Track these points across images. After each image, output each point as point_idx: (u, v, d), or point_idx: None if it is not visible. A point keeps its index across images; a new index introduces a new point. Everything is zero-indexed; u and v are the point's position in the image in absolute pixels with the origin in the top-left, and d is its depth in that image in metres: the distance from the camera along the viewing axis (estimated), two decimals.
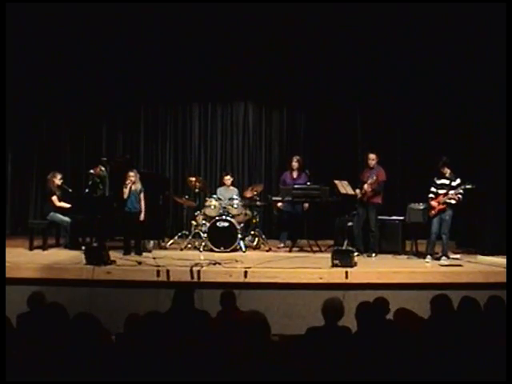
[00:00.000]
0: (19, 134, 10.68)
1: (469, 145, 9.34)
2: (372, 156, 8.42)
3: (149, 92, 10.85)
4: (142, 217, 8.26)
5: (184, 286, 5.25)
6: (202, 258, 7.96)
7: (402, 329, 4.19)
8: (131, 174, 8.28)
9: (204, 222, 8.91)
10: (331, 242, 9.10)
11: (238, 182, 10.45)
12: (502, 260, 7.69)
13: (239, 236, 8.64)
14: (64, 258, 7.84)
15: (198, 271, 6.98)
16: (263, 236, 9.29)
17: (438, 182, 7.97)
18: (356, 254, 7.52)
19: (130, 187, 8.21)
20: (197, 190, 9.50)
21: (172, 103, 11.15)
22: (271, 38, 10.16)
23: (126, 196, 8.19)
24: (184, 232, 9.29)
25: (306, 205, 9.08)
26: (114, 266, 7.20)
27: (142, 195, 8.33)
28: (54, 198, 8.75)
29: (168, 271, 6.97)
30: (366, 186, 8.28)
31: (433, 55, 9.83)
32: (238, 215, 8.94)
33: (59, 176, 8.90)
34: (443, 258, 7.94)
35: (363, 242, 8.45)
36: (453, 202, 7.84)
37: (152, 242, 8.93)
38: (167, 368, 3.28)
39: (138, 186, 8.33)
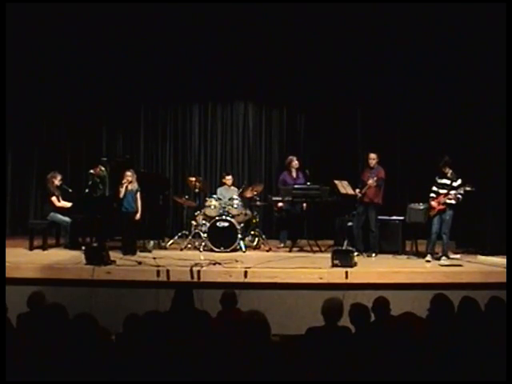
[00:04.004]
0: (19, 134, 10.67)
1: (469, 145, 9.34)
2: (373, 156, 8.42)
3: (149, 92, 10.85)
4: (137, 216, 8.30)
5: (184, 286, 5.25)
6: (202, 257, 7.96)
7: (401, 329, 4.18)
8: (128, 173, 8.31)
9: (204, 222, 8.91)
10: (331, 242, 9.10)
11: (238, 182, 10.44)
12: (502, 260, 7.69)
13: (239, 236, 8.64)
14: (64, 258, 7.84)
15: (198, 271, 6.98)
16: (263, 236, 9.29)
17: (440, 181, 7.98)
18: (356, 253, 7.52)
19: (126, 187, 8.24)
20: (197, 190, 9.50)
21: (172, 103, 11.14)
22: (271, 38, 10.16)
23: (121, 195, 8.21)
24: (184, 232, 9.29)
25: (305, 204, 9.09)
26: (114, 266, 7.20)
27: (138, 195, 8.36)
28: (54, 198, 8.75)
29: (168, 271, 6.97)
30: (369, 182, 8.25)
31: (433, 55, 9.83)
32: (238, 215, 8.94)
33: (59, 177, 8.89)
34: (443, 257, 7.95)
35: (363, 242, 8.45)
36: (453, 202, 7.85)
37: (152, 241, 8.93)
38: (167, 368, 3.28)
39: (135, 185, 8.35)
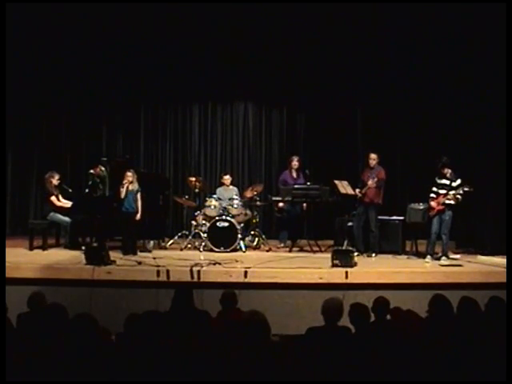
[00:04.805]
0: (19, 134, 10.67)
1: (469, 145, 9.34)
2: (373, 156, 8.42)
3: (149, 92, 10.85)
4: (138, 216, 8.30)
5: (184, 286, 5.25)
6: (202, 257, 7.96)
7: (401, 329, 4.19)
8: (129, 173, 8.31)
9: (204, 222, 8.91)
10: (331, 242, 9.09)
11: (238, 181, 10.44)
12: (502, 260, 7.69)
13: (239, 236, 8.64)
14: (64, 258, 7.84)
15: (198, 271, 6.98)
16: (263, 236, 9.29)
17: (439, 181, 7.98)
18: (356, 253, 7.52)
19: (127, 187, 8.24)
20: (197, 190, 9.50)
21: (172, 103, 11.15)
22: (271, 38, 10.16)
23: (122, 196, 8.22)
24: (184, 232, 9.28)
25: (305, 204, 9.09)
26: (114, 266, 7.20)
27: (138, 195, 8.36)
28: (53, 198, 8.74)
29: (168, 271, 6.97)
30: (369, 182, 8.25)
31: (433, 55, 9.83)
32: (238, 215, 8.94)
33: (57, 176, 8.87)
34: (443, 258, 7.95)
35: (363, 242, 8.45)
36: (452, 202, 7.84)
37: (152, 241, 8.93)
38: (167, 368, 3.28)
39: (135, 185, 8.35)
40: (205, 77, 10.62)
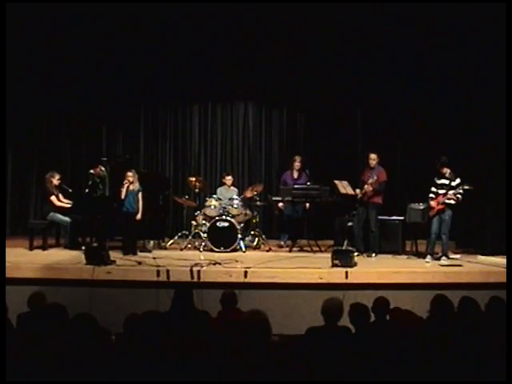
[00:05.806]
0: (19, 134, 10.67)
1: (469, 145, 9.35)
2: (373, 156, 8.42)
3: (149, 92, 10.85)
4: (138, 216, 8.30)
5: (184, 286, 5.25)
6: (202, 257, 7.97)
7: (401, 329, 4.19)
8: (129, 174, 8.31)
9: (204, 222, 8.92)
10: (331, 242, 9.09)
11: (238, 182, 10.44)
12: (502, 260, 7.69)
13: (239, 236, 8.64)
14: (64, 258, 7.84)
15: (198, 271, 6.98)
16: (263, 236, 9.29)
17: (438, 181, 7.98)
18: (356, 253, 7.52)
19: (128, 187, 8.23)
20: (197, 190, 9.50)
21: (172, 103, 11.15)
22: (271, 38, 10.15)
23: (122, 196, 8.21)
24: (184, 232, 9.29)
25: (308, 204, 9.08)
26: (114, 266, 7.20)
27: (139, 195, 8.35)
28: (53, 198, 8.75)
29: (168, 271, 6.97)
30: (366, 186, 8.28)
31: (433, 55, 9.83)
32: (238, 215, 8.94)
33: (57, 176, 8.88)
34: (443, 257, 7.95)
35: (363, 242, 8.45)
36: (452, 202, 7.85)
37: (152, 241, 8.93)
38: (167, 368, 3.28)
39: (136, 185, 8.35)
40: (205, 77, 10.63)
